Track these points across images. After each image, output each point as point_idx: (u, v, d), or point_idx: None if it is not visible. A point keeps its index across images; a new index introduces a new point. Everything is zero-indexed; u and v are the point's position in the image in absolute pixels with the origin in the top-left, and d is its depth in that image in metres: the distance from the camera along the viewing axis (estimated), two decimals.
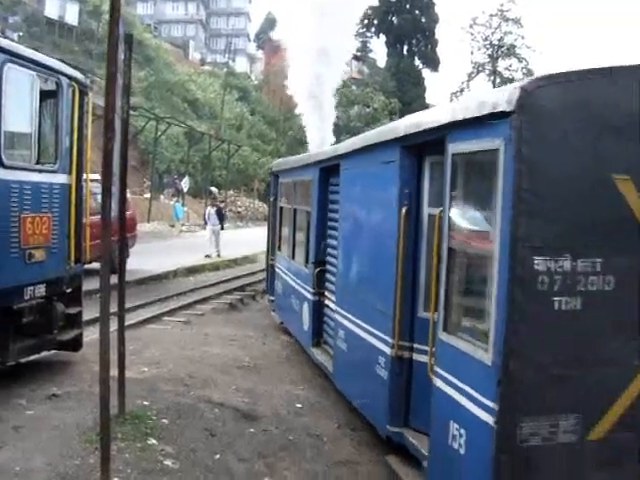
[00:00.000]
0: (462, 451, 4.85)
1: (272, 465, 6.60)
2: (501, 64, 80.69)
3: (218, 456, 6.47)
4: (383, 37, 77.38)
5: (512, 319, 4.30)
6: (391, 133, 6.83)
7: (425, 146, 6.10)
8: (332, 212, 9.42)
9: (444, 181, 5.36)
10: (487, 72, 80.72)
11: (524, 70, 79.66)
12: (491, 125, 4.53)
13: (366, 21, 76.79)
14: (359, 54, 75.24)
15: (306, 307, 10.41)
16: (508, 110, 4.31)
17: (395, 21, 75.81)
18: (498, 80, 79.02)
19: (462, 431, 4.85)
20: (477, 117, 4.73)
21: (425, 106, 69.96)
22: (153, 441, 6.41)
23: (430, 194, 6.18)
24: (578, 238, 4.37)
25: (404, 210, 6.30)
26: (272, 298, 14.41)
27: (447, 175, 5.30)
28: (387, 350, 6.56)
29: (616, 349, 4.51)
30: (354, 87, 65.17)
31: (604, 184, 4.38)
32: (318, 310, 9.93)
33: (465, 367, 4.88)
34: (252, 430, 7.32)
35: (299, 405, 8.39)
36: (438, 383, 5.35)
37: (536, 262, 4.27)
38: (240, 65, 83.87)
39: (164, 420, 6.98)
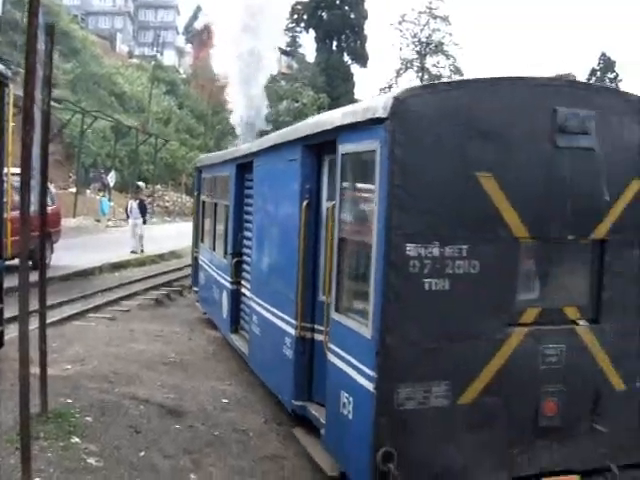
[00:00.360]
0: (350, 416, 5.46)
1: (198, 461, 6.59)
2: (429, 61, 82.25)
3: (143, 453, 6.45)
4: (313, 32, 77.98)
5: (387, 298, 4.91)
6: (295, 133, 7.44)
7: (324, 146, 6.65)
8: (247, 206, 9.95)
9: (335, 177, 5.99)
10: (415, 69, 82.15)
11: (452, 67, 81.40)
12: (371, 129, 5.14)
13: (295, 16, 77.28)
14: (288, 49, 75.66)
15: (225, 296, 10.91)
16: (383, 116, 4.91)
17: (325, 16, 76.39)
18: (426, 76, 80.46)
19: (350, 399, 5.46)
20: (360, 122, 5.34)
21: (354, 102, 70.88)
22: (76, 439, 6.37)
23: (328, 189, 6.75)
24: (446, 227, 4.99)
25: (305, 204, 6.86)
26: (196, 289, 14.91)
27: (338, 172, 5.95)
28: (292, 331, 7.12)
29: (481, 324, 5.15)
30: (283, 82, 65.52)
31: (469, 181, 5.01)
32: (236, 298, 10.44)
33: (352, 342, 5.50)
34: (178, 426, 7.34)
35: (225, 400, 8.47)
36: (332, 358, 5.95)
37: (408, 248, 4.88)
38: (168, 58, 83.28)
39: (88, 418, 6.95)
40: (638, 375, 5.74)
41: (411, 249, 4.89)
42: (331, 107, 59.02)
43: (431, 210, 4.96)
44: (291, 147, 7.39)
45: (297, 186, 7.04)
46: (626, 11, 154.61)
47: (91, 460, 6.04)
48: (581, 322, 5.54)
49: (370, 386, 5.04)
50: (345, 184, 5.91)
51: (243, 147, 11.04)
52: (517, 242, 5.21)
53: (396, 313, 4.94)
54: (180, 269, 21.44)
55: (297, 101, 63.66)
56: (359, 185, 5.77)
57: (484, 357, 5.18)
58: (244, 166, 10.09)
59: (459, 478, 5.18)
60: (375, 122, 5.04)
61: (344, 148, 5.81)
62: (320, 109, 58.72)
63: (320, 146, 6.76)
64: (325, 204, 6.74)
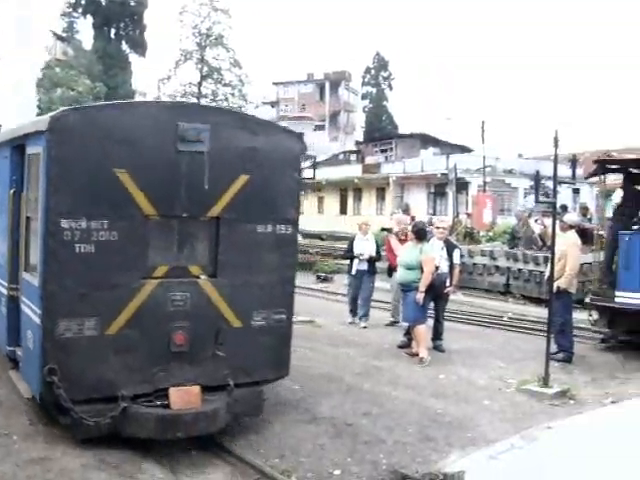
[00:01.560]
0: (31, 347, 7.45)
1: None
2: (209, 53, 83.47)
3: None
4: (91, 18, 76.89)
5: (48, 258, 6.97)
6: (6, 136, 9.31)
7: (25, 146, 8.42)
8: None
9: (24, 171, 7.99)
10: (195, 60, 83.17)
11: (231, 60, 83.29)
12: (39, 138, 7.16)
13: (73, 1, 75.87)
14: (64, 35, 74.26)
15: None
16: (44, 129, 6.95)
17: (103, 3, 75.63)
18: (206, 69, 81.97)
19: (31, 334, 7.45)
20: (33, 132, 7.34)
21: (131, 91, 71.18)
22: None
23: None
24: (91, 207, 7.04)
25: (12, 192, 8.64)
26: None
27: (25, 167, 7.97)
28: (5, 292, 8.88)
29: (121, 277, 7.25)
30: (58, 69, 64.51)
31: (110, 175, 7.10)
32: None
33: (31, 292, 7.53)
34: None
35: None
36: (23, 307, 7.93)
37: (62, 223, 6.90)
38: None
39: None
40: (251, 315, 8.02)
41: (65, 223, 6.92)
42: (108, 96, 59.26)
43: (80, 195, 7.01)
44: (5, 146, 9.17)
45: (8, 178, 8.81)
46: (399, 10, 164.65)
47: None
48: (203, 277, 7.76)
49: (39, 321, 7.07)
50: (30, 176, 7.93)
51: None
52: (147, 218, 7.35)
53: (55, 268, 6.99)
54: None
55: (73, 89, 63.07)
56: (35, 177, 7.67)
57: (124, 300, 7.27)
58: None
59: (110, 388, 7.21)
60: (40, 133, 7.07)
61: (28, 150, 7.85)
62: (97, 98, 58.67)
63: (23, 147, 8.47)
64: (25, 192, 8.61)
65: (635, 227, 13.30)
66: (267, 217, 8.07)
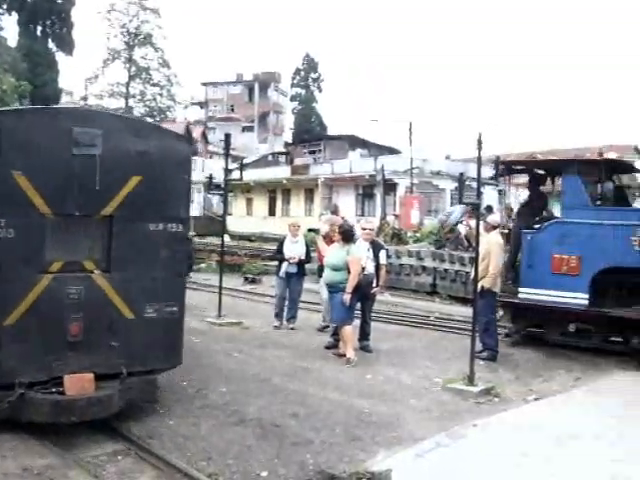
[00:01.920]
0: None
1: None
2: (137, 52, 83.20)
3: None
4: (16, 15, 75.69)
5: None
6: None
7: None
8: None
9: None
10: (123, 60, 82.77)
11: (160, 60, 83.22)
12: None
13: None
14: None
15: None
16: None
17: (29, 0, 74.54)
18: (134, 68, 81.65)
19: None
20: None
21: (58, 90, 70.36)
22: None
23: None
24: None
25: None
26: None
27: None
28: None
29: (18, 272, 7.74)
30: None
31: (7, 177, 7.58)
32: None
33: None
34: None
35: None
36: None
37: None
38: None
39: None
40: (143, 308, 8.53)
41: None
42: (34, 95, 58.46)
43: None
44: None
45: None
46: (328, 9, 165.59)
47: None
48: (96, 271, 8.29)
49: None
50: None
51: None
52: (43, 217, 7.84)
53: None
54: None
55: None
56: None
57: (21, 293, 7.75)
58: None
59: (8, 376, 7.67)
60: None
61: None
62: (21, 97, 57.92)
63: None
64: None
65: (537, 226, 13.89)
66: (158, 216, 8.60)
